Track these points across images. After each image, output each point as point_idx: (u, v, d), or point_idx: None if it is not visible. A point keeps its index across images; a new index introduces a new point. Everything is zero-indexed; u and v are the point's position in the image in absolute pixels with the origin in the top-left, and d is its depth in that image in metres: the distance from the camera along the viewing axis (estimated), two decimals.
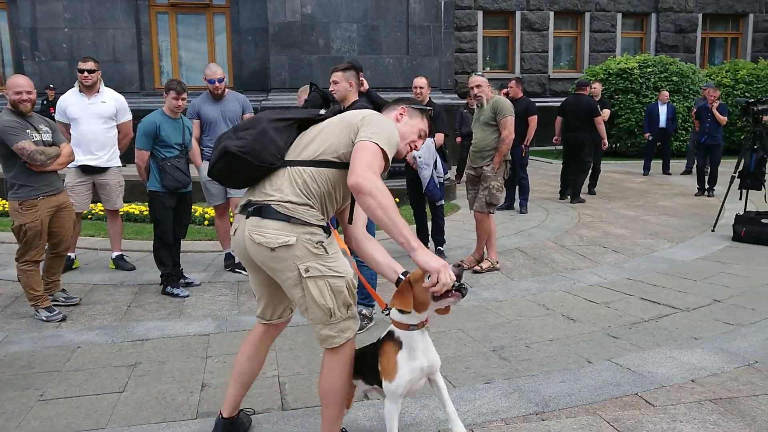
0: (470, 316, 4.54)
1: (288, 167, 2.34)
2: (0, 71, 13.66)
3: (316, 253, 2.28)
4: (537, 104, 9.34)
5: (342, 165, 2.32)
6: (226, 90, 5.82)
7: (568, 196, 9.57)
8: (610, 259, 6.11)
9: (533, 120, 8.21)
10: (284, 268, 2.29)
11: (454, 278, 2.18)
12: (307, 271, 2.28)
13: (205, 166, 5.51)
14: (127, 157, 5.97)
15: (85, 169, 5.54)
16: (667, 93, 12.67)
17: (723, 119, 9.84)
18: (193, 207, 6.62)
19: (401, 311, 2.37)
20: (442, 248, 6.24)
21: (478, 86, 5.74)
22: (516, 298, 4.95)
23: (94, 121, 5.38)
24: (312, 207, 2.32)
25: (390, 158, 2.29)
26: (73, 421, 3.03)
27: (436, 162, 6.03)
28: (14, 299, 4.97)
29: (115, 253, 5.85)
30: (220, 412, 2.75)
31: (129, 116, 5.80)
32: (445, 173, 6.21)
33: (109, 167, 5.66)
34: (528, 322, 4.39)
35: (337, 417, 2.50)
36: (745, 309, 4.59)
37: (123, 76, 13.06)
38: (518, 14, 18.81)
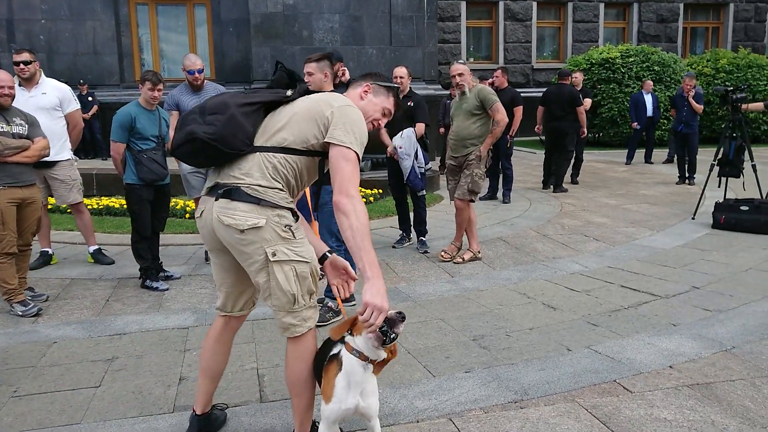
0: (451, 305, 4.54)
1: (257, 153, 2.31)
2: None
3: (284, 236, 2.27)
4: (521, 94, 9.39)
5: (310, 153, 2.33)
6: (205, 81, 5.75)
7: (551, 186, 9.60)
8: (591, 248, 6.14)
9: (519, 111, 8.20)
10: (252, 251, 2.27)
11: (381, 323, 2.13)
12: (274, 254, 2.26)
13: None
14: (106, 151, 5.86)
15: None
16: (651, 82, 12.74)
17: (699, 108, 9.91)
18: (173, 200, 6.56)
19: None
20: (424, 238, 6.22)
21: (460, 74, 5.70)
22: (497, 288, 4.95)
23: (36, 115, 5.13)
24: (281, 190, 2.30)
25: (361, 154, 2.30)
26: (47, 417, 2.99)
27: (417, 152, 6.01)
28: None
29: (92, 247, 5.74)
30: (193, 409, 2.72)
31: (75, 106, 5.60)
32: (426, 163, 6.18)
33: (57, 161, 5.40)
34: (509, 311, 4.40)
35: (307, 407, 2.47)
36: (723, 295, 4.62)
37: (102, 69, 12.90)
38: (501, 4, 18.80)
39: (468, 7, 18.70)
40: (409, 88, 6.24)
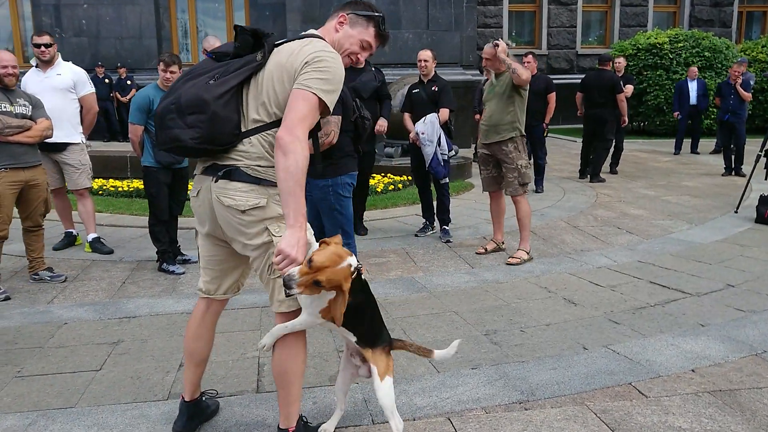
0: (467, 298, 4.38)
1: (250, 136, 2.20)
2: (24, 49, 13.75)
3: (281, 216, 2.19)
4: (564, 81, 9.14)
5: None
6: None
7: (588, 176, 9.28)
8: (623, 241, 5.87)
9: (552, 97, 7.91)
10: (253, 232, 2.20)
11: (289, 272, 2.03)
12: (278, 229, 2.19)
13: None
14: (124, 134, 5.84)
15: (42, 147, 5.08)
16: (695, 69, 12.16)
17: (746, 96, 9.41)
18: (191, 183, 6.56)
19: None
20: (447, 227, 6.06)
21: (487, 59, 5.37)
22: (517, 280, 4.77)
23: (50, 95, 5.10)
24: None
25: (332, 106, 2.16)
26: (44, 399, 2.98)
27: (440, 138, 5.82)
28: (14, 273, 4.97)
29: (91, 236, 5.61)
30: (182, 396, 2.65)
31: (90, 89, 5.57)
32: (450, 150, 5.99)
33: (67, 144, 5.37)
34: (526, 305, 4.22)
35: (295, 397, 2.38)
36: (760, 294, 4.34)
37: (142, 53, 13.05)
38: None
39: None
40: (434, 72, 6.07)
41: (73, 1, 12.73)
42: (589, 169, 9.28)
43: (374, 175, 8.58)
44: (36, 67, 5.38)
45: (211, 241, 2.41)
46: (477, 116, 10.59)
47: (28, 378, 3.21)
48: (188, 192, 5.40)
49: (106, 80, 12.86)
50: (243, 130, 2.20)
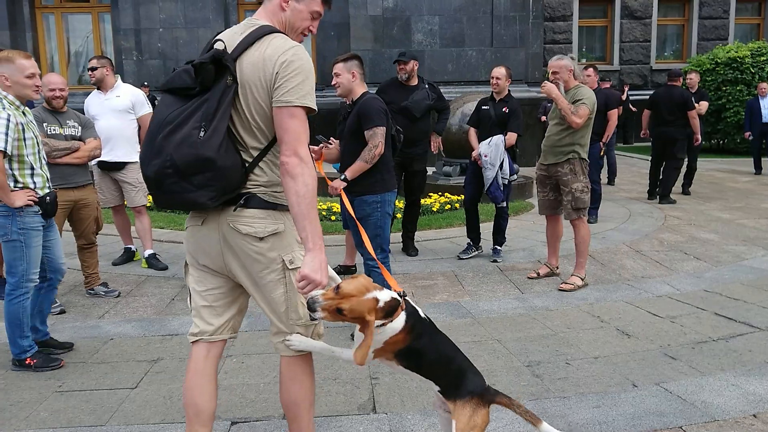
0: (513, 325, 4.20)
1: (257, 163, 2.11)
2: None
3: (299, 241, 2.12)
4: (638, 97, 8.77)
5: None
6: None
7: (657, 197, 8.83)
8: (689, 267, 5.51)
9: (614, 114, 7.55)
10: (269, 261, 2.11)
11: (314, 294, 1.97)
12: (291, 262, 2.12)
13: None
14: None
15: (102, 165, 5.43)
16: (765, 85, 11.40)
17: None
18: None
19: None
20: (499, 248, 5.88)
21: (554, 72, 5.04)
22: (569, 308, 4.53)
23: (109, 116, 5.29)
24: None
25: (314, 104, 2.06)
26: (77, 416, 3.03)
27: (503, 162, 5.66)
28: (72, 287, 5.16)
29: (147, 252, 5.75)
30: None
31: (147, 110, 5.68)
32: (512, 174, 5.81)
33: (126, 163, 5.52)
34: (575, 336, 3.99)
35: (307, 427, 2.29)
36: None
37: None
38: (618, 2, 17.73)
39: (581, 5, 17.79)
40: (507, 92, 5.86)
41: (151, 25, 13.36)
42: (659, 189, 8.83)
43: (431, 194, 8.49)
44: (97, 89, 5.61)
45: (210, 273, 2.23)
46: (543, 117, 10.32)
47: (67, 393, 3.28)
48: None
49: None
50: (248, 163, 2.10)
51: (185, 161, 1.96)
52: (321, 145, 4.51)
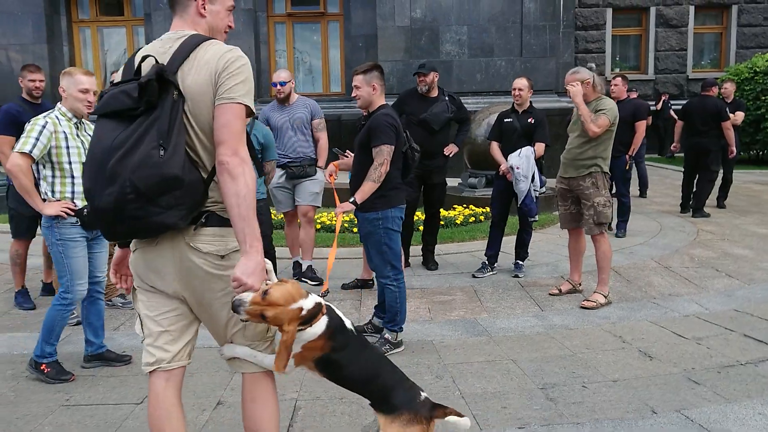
0: (530, 344, 4.07)
1: (213, 177, 2.05)
2: None
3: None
4: (673, 107, 8.52)
5: None
6: (295, 95, 5.71)
7: (690, 210, 8.54)
8: (719, 285, 5.29)
9: (641, 126, 7.30)
10: (229, 278, 2.00)
11: (241, 296, 1.94)
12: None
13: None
14: None
15: None
16: None
17: None
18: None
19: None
20: (521, 263, 5.74)
21: (572, 85, 4.89)
22: (590, 327, 4.38)
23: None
24: None
25: (253, 106, 2.04)
26: (81, 431, 3.01)
27: (534, 174, 5.54)
28: None
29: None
30: None
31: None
32: (542, 186, 5.68)
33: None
34: (594, 357, 3.84)
35: None
36: None
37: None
38: (653, 10, 17.36)
39: (614, 14, 17.48)
40: (529, 103, 5.75)
41: None
42: (692, 203, 8.56)
43: (455, 206, 8.37)
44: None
45: (161, 295, 2.12)
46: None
47: (73, 407, 3.28)
48: (268, 226, 5.30)
49: None
50: (206, 176, 2.04)
51: (148, 183, 1.87)
52: (339, 160, 4.48)
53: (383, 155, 3.88)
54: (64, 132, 3.59)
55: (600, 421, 3.03)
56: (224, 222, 2.04)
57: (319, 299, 2.10)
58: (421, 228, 6.24)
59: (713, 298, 4.96)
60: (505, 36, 12.47)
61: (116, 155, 1.88)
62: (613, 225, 7.40)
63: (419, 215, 6.25)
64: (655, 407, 3.17)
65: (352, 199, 3.92)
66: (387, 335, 4.02)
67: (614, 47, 17.81)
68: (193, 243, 2.03)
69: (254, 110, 2.05)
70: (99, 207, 1.93)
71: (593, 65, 5.06)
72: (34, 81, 4.94)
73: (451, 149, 5.84)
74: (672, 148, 8.97)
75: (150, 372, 2.18)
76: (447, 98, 5.84)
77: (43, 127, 3.52)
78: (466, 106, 12.16)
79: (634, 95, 10.58)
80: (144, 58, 2.01)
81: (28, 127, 3.56)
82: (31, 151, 3.49)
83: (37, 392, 3.47)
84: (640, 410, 3.14)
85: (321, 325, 2.08)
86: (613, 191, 6.61)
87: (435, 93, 5.81)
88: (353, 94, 4.08)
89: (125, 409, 3.23)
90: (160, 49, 2.04)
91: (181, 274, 2.06)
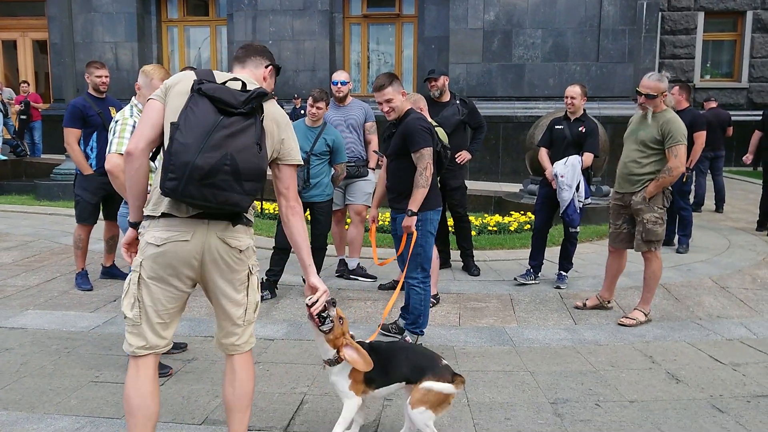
0: (552, 357, 3.98)
1: None
2: None
3: (254, 249, 2.49)
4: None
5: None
6: (350, 97, 5.84)
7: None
8: None
9: (700, 137, 6.85)
10: (242, 268, 2.41)
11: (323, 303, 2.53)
12: (252, 267, 2.45)
13: None
14: None
15: None
16: None
17: None
18: None
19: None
20: (565, 274, 5.59)
21: (644, 94, 4.49)
22: (620, 344, 4.22)
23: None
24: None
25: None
26: (100, 407, 3.23)
27: (579, 184, 5.40)
28: None
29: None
30: None
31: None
32: (587, 197, 5.53)
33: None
34: (617, 375, 3.71)
35: (248, 418, 2.57)
36: None
37: (315, 84, 13.94)
38: (749, 14, 16.34)
39: (707, 17, 16.59)
40: (583, 111, 5.61)
41: (261, 38, 14.01)
42: None
43: (512, 212, 8.25)
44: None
45: (174, 292, 2.35)
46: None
47: (100, 384, 3.51)
48: (325, 225, 5.40)
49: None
50: None
51: (247, 167, 2.19)
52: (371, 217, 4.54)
53: (425, 159, 3.91)
54: None
55: None
56: (248, 222, 2.41)
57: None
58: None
59: (765, 323, 4.67)
60: (582, 40, 12.15)
61: (223, 132, 2.17)
62: (675, 241, 7.09)
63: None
64: None
65: (409, 212, 3.93)
66: (408, 337, 4.05)
67: (705, 53, 16.91)
68: (223, 238, 2.34)
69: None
70: (196, 164, 2.12)
71: (668, 75, 4.75)
72: (100, 77, 5.30)
73: (463, 156, 5.77)
74: (744, 159, 8.41)
75: (142, 355, 2.39)
76: (458, 102, 5.84)
77: (134, 127, 3.65)
78: (536, 110, 11.98)
79: (712, 105, 10.04)
80: (235, 78, 2.34)
81: (117, 127, 3.70)
82: (123, 152, 3.67)
83: (73, 368, 3.74)
84: None
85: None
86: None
87: (447, 97, 5.83)
88: (384, 109, 4.03)
89: None
90: (249, 82, 2.40)
91: (207, 263, 2.34)
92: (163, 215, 2.28)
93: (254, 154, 2.21)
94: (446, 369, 2.72)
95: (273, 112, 2.40)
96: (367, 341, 2.80)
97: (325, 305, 2.51)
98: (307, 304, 2.53)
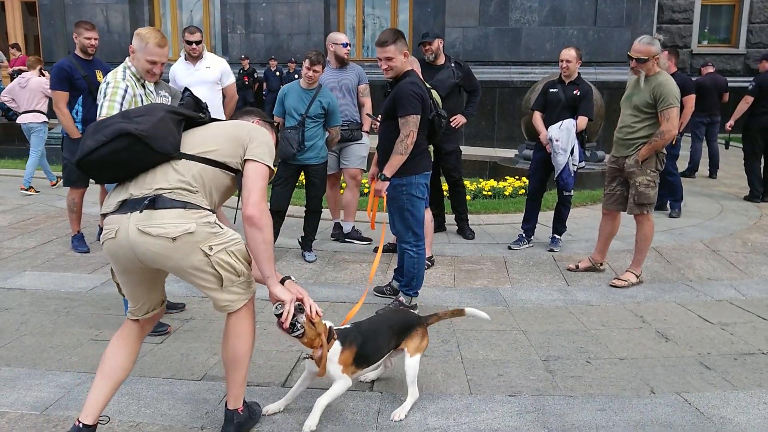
0: (545, 317, 4.05)
1: (181, 159, 2.39)
2: (211, 44, 15.21)
3: (214, 232, 2.34)
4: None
5: (227, 168, 2.45)
6: (350, 62, 5.80)
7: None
8: (767, 272, 5.03)
9: (689, 101, 6.82)
10: (188, 254, 2.28)
11: (294, 313, 2.46)
12: (211, 249, 2.31)
13: None
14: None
15: None
16: None
17: None
18: None
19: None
20: (559, 237, 5.65)
21: (635, 58, 4.51)
22: (612, 305, 4.30)
23: (201, 87, 5.34)
24: (203, 195, 2.38)
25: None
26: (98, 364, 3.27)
27: (573, 148, 5.41)
28: None
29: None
30: (79, 421, 2.40)
31: (232, 79, 5.78)
32: (581, 161, 5.55)
33: None
34: (607, 334, 3.79)
35: (245, 378, 2.57)
36: None
37: (309, 48, 13.77)
38: None
39: None
40: (577, 74, 5.59)
41: (256, 0, 13.80)
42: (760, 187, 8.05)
43: (507, 177, 8.27)
44: (185, 60, 5.63)
45: (128, 279, 2.44)
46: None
47: (100, 342, 3.55)
48: (320, 188, 5.38)
49: (278, 73, 13.84)
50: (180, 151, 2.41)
51: (138, 109, 2.49)
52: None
53: (409, 126, 3.86)
54: (141, 96, 3.70)
55: (593, 397, 3.02)
56: (175, 204, 2.31)
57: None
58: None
59: (754, 285, 4.74)
60: (579, 4, 12.01)
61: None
62: (668, 206, 7.13)
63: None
64: (655, 387, 3.12)
65: (381, 176, 3.92)
66: (402, 298, 4.10)
67: (703, 18, 16.76)
68: (143, 228, 2.27)
69: (272, 167, 2.50)
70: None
71: (661, 37, 4.73)
72: (89, 39, 5.19)
73: (458, 120, 5.75)
74: (727, 126, 8.33)
75: (136, 319, 2.60)
76: (453, 65, 5.79)
77: (125, 91, 3.57)
78: (532, 75, 11.90)
79: (710, 70, 9.99)
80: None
81: (108, 89, 3.57)
82: None
83: (72, 326, 3.79)
84: (638, 389, 3.10)
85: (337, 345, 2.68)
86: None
87: (441, 60, 5.79)
88: (383, 66, 3.95)
89: (145, 348, 3.46)
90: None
91: (142, 259, 2.33)
92: (103, 215, 2.40)
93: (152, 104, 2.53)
94: (424, 317, 3.06)
95: (227, 123, 2.69)
96: (348, 325, 2.85)
97: (295, 313, 2.45)
98: (276, 315, 2.47)
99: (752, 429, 2.74)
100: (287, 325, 2.45)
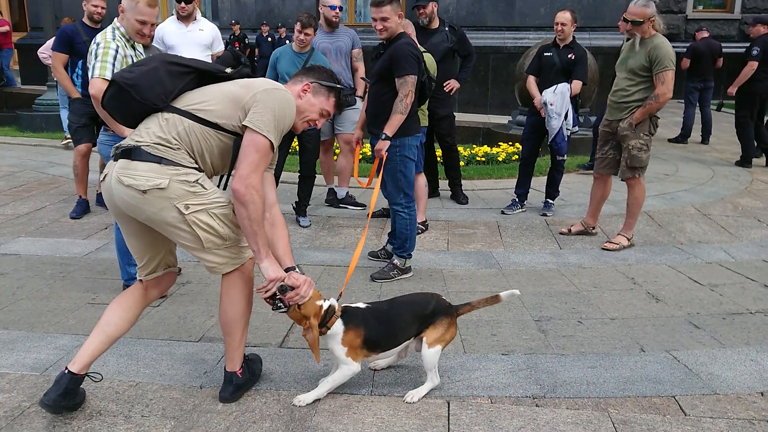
0: (538, 279, 4.10)
1: (168, 113, 2.34)
2: (201, 9, 14.96)
3: (192, 191, 2.28)
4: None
5: (223, 130, 2.34)
6: (340, 24, 5.73)
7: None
8: (756, 236, 5.10)
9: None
10: (160, 209, 2.26)
11: (275, 291, 2.38)
12: (187, 207, 2.27)
13: None
14: None
15: None
16: None
17: None
18: None
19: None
20: (551, 201, 5.68)
21: (630, 21, 4.47)
22: (604, 267, 4.35)
23: (191, 49, 5.23)
24: (186, 153, 2.32)
25: (278, 142, 2.33)
26: None
27: (567, 112, 5.41)
28: None
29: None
30: (66, 368, 2.42)
31: (222, 47, 5.75)
32: (575, 125, 5.54)
33: None
34: (599, 295, 3.85)
35: (240, 341, 2.57)
36: None
37: (302, 11, 13.56)
38: None
39: None
40: (572, 38, 5.55)
41: None
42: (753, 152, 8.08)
43: (500, 143, 8.27)
44: (177, 19, 5.50)
45: (127, 223, 2.43)
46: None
47: (97, 305, 3.58)
48: (313, 153, 5.36)
49: (269, 39, 13.67)
50: (169, 104, 2.36)
51: (145, 58, 2.59)
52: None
53: (408, 86, 3.85)
54: (131, 57, 3.64)
55: (584, 355, 3.08)
56: (150, 158, 2.28)
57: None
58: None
59: (744, 247, 4.80)
60: None
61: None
62: None
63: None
64: (645, 346, 3.18)
65: (383, 136, 3.90)
66: (396, 260, 4.14)
67: None
68: (118, 175, 2.29)
69: (276, 143, 2.34)
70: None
71: (656, 0, 4.69)
72: (96, 6, 5.15)
73: (451, 85, 5.72)
74: (729, 91, 8.31)
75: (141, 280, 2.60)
76: (447, 29, 5.75)
77: (116, 51, 3.52)
78: (526, 41, 11.80)
79: (705, 34, 9.93)
80: None
81: (99, 50, 3.50)
82: (109, 78, 3.55)
83: (69, 290, 3.81)
84: (628, 347, 3.16)
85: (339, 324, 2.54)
86: None
87: (436, 24, 5.74)
88: (378, 27, 3.91)
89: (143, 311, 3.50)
90: None
91: (118, 205, 2.36)
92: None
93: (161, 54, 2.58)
94: (455, 306, 2.77)
95: (243, 81, 2.50)
96: (363, 305, 2.68)
97: (276, 292, 2.38)
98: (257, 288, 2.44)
99: (739, 384, 2.81)
100: (268, 299, 2.42)
